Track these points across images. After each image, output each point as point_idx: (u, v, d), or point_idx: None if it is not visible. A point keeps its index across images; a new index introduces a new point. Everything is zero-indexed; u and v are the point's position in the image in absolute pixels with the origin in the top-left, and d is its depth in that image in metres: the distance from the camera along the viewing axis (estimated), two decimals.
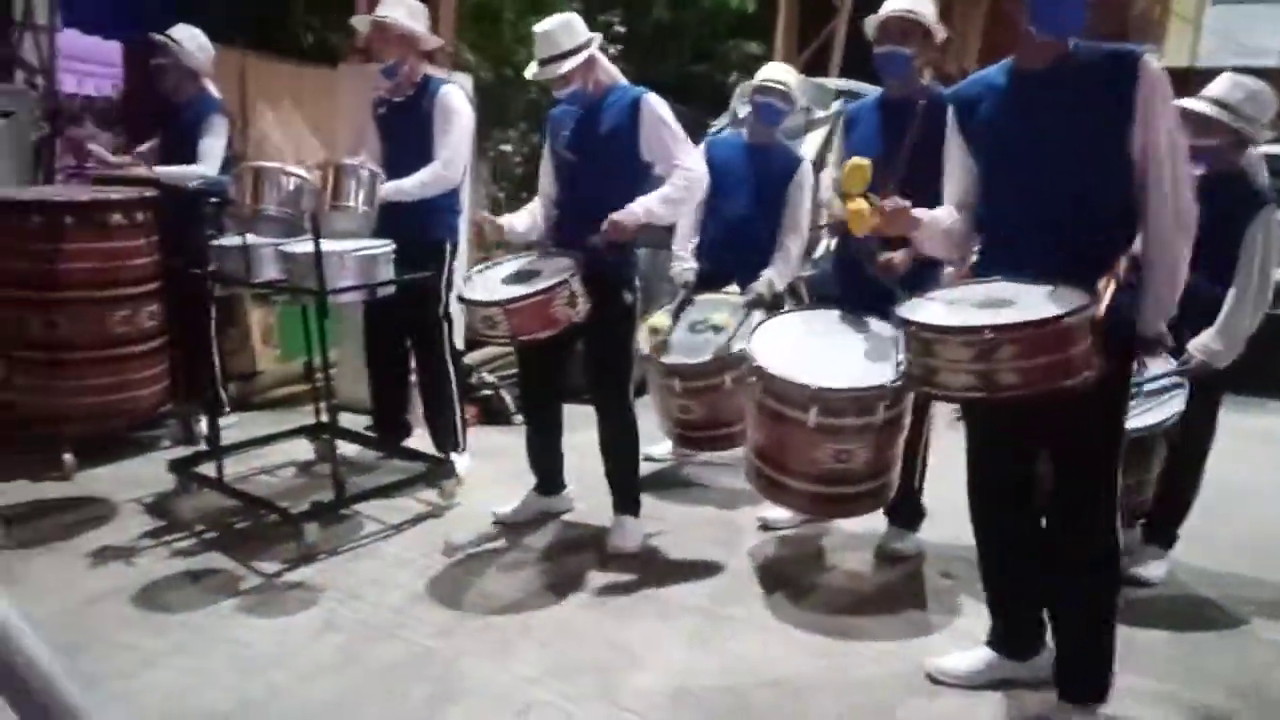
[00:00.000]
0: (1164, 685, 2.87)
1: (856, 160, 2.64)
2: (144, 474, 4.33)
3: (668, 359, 3.86)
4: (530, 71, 3.55)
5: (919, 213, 2.61)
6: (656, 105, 3.50)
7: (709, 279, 4.23)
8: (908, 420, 3.17)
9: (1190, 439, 3.32)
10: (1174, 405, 3.20)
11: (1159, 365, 3.23)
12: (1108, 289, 2.31)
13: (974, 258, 2.71)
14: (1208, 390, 3.29)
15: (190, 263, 4.03)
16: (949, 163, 2.70)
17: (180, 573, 3.44)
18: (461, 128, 4.13)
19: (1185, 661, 3.02)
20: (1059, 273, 2.36)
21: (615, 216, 3.35)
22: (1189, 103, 3.25)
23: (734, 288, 4.19)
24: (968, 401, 2.52)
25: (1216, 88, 3.31)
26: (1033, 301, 2.33)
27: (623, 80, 3.63)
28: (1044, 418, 2.46)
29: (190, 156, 4.57)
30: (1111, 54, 2.39)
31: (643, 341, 3.92)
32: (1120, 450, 2.50)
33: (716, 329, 3.90)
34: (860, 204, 2.60)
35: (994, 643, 2.85)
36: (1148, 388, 3.19)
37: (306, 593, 3.31)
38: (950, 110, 2.67)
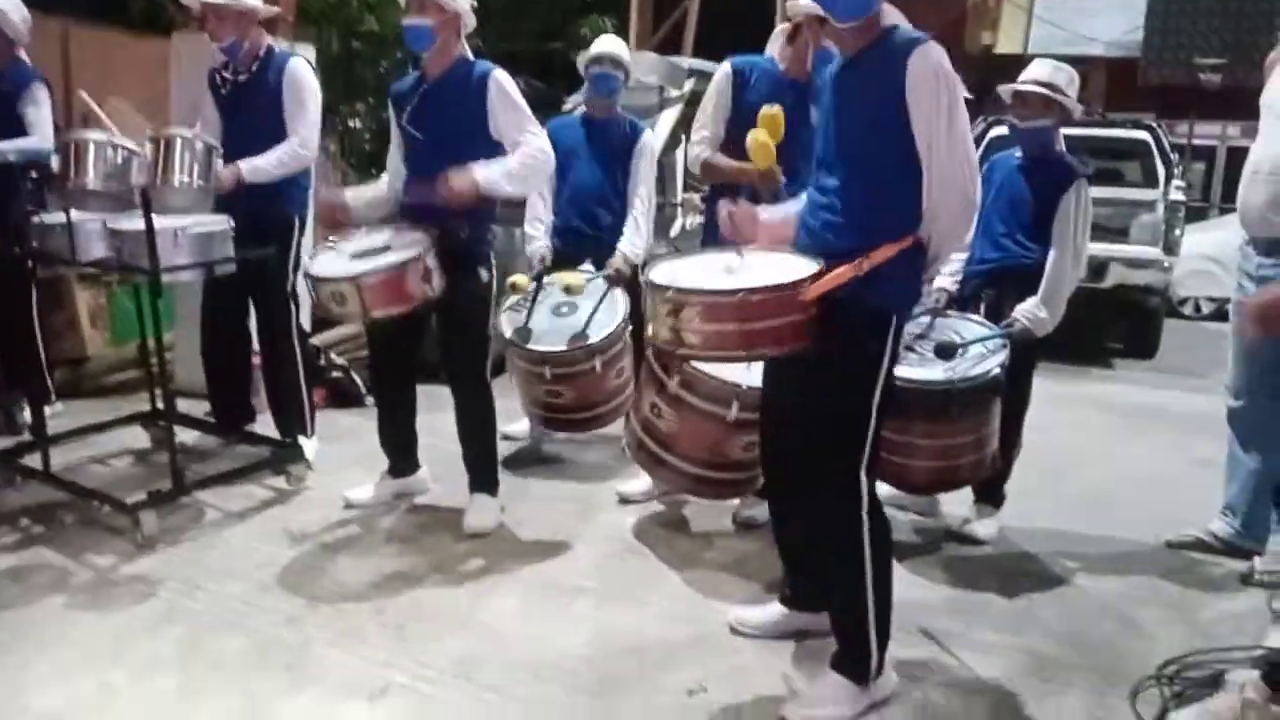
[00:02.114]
0: (998, 636, 3.03)
1: (772, 110, 2.92)
2: None
3: (536, 346, 3.84)
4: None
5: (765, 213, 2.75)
6: (505, 82, 3.44)
7: (563, 258, 4.23)
8: None
9: (1010, 400, 3.48)
10: (995, 360, 3.35)
11: (977, 329, 3.48)
12: (840, 273, 2.36)
13: None
14: (1023, 354, 3.48)
15: (10, 242, 3.76)
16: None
17: (5, 569, 3.23)
18: (314, 103, 4.00)
19: (1018, 614, 3.20)
20: (834, 256, 2.41)
21: (450, 175, 3.27)
22: (1025, 86, 3.49)
23: (588, 266, 4.20)
24: (668, 355, 2.69)
25: (1039, 71, 3.53)
26: (756, 272, 2.45)
27: (470, 55, 3.57)
28: (791, 385, 2.59)
29: (7, 130, 4.25)
30: (899, 44, 2.42)
31: (504, 314, 3.93)
32: (863, 427, 2.49)
33: (574, 309, 3.92)
34: (766, 136, 2.89)
35: (786, 598, 2.97)
36: (973, 349, 3.37)
37: (144, 586, 3.15)
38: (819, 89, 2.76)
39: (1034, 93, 3.47)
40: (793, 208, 2.73)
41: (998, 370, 3.30)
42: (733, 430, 3.25)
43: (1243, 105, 3.71)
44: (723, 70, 3.64)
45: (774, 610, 2.98)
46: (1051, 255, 3.45)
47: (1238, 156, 3.58)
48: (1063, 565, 3.52)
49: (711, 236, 3.56)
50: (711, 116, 3.62)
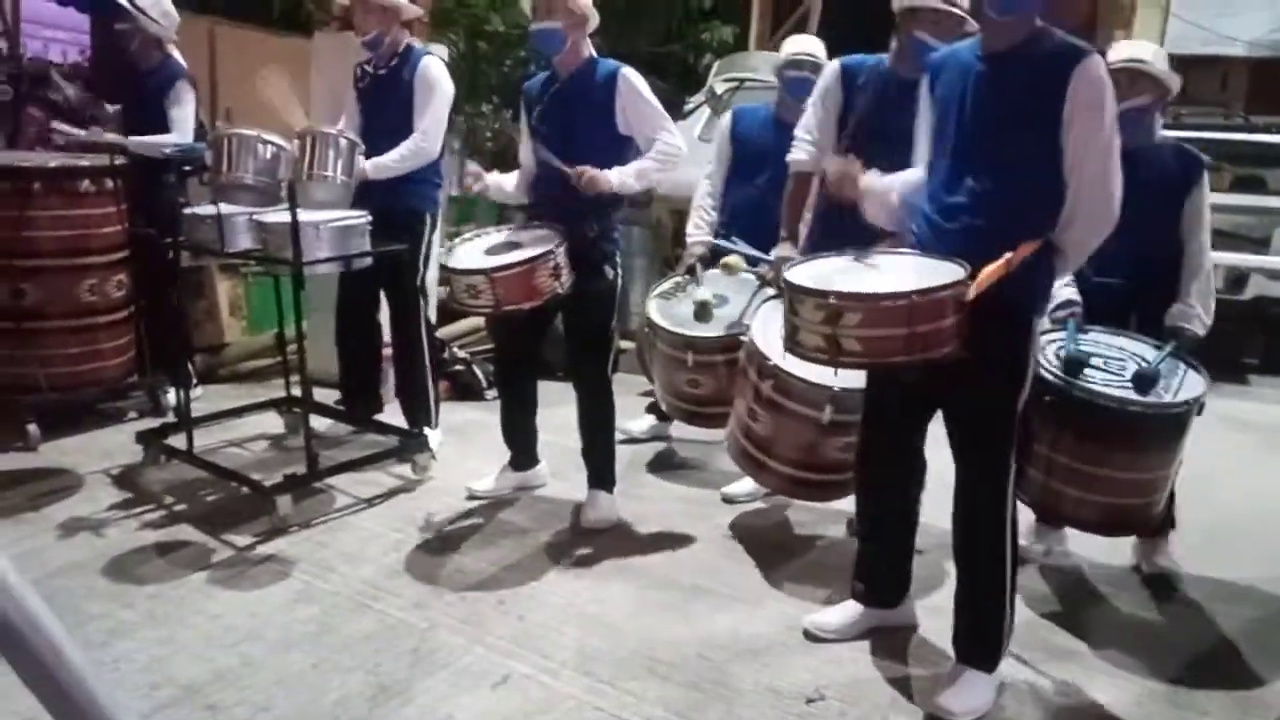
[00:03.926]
0: (1129, 659, 2.93)
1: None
2: (111, 445, 4.28)
3: (684, 330, 3.83)
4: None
5: (868, 178, 2.66)
6: (634, 79, 3.49)
7: (722, 254, 4.12)
8: None
9: None
10: (1198, 382, 3.00)
11: (1141, 348, 3.10)
12: (993, 273, 2.33)
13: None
14: None
15: (162, 232, 3.97)
16: (919, 129, 2.74)
17: (149, 545, 3.41)
18: (442, 100, 4.10)
19: (1150, 638, 3.09)
20: (963, 254, 2.40)
21: (587, 172, 3.35)
22: (1115, 58, 3.18)
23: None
24: (819, 364, 2.56)
25: (1135, 50, 3.27)
26: (901, 274, 2.38)
27: (595, 54, 3.61)
28: (936, 390, 2.57)
29: (154, 125, 4.49)
30: (1061, 48, 2.43)
31: (653, 300, 4.00)
32: (1014, 429, 2.54)
33: (724, 303, 3.90)
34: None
35: (864, 595, 2.97)
36: (1165, 372, 2.98)
37: (279, 565, 3.29)
38: (925, 77, 2.71)
39: (1123, 69, 3.12)
40: (894, 181, 2.69)
41: (1203, 392, 2.97)
42: (828, 432, 3.20)
43: None
44: (830, 70, 3.53)
45: (851, 610, 2.99)
46: (1191, 249, 3.20)
47: None
48: (1196, 590, 3.37)
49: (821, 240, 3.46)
50: (820, 121, 3.49)
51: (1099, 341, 3.12)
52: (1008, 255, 2.37)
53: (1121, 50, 3.27)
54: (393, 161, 4.00)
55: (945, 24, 3.16)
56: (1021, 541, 3.54)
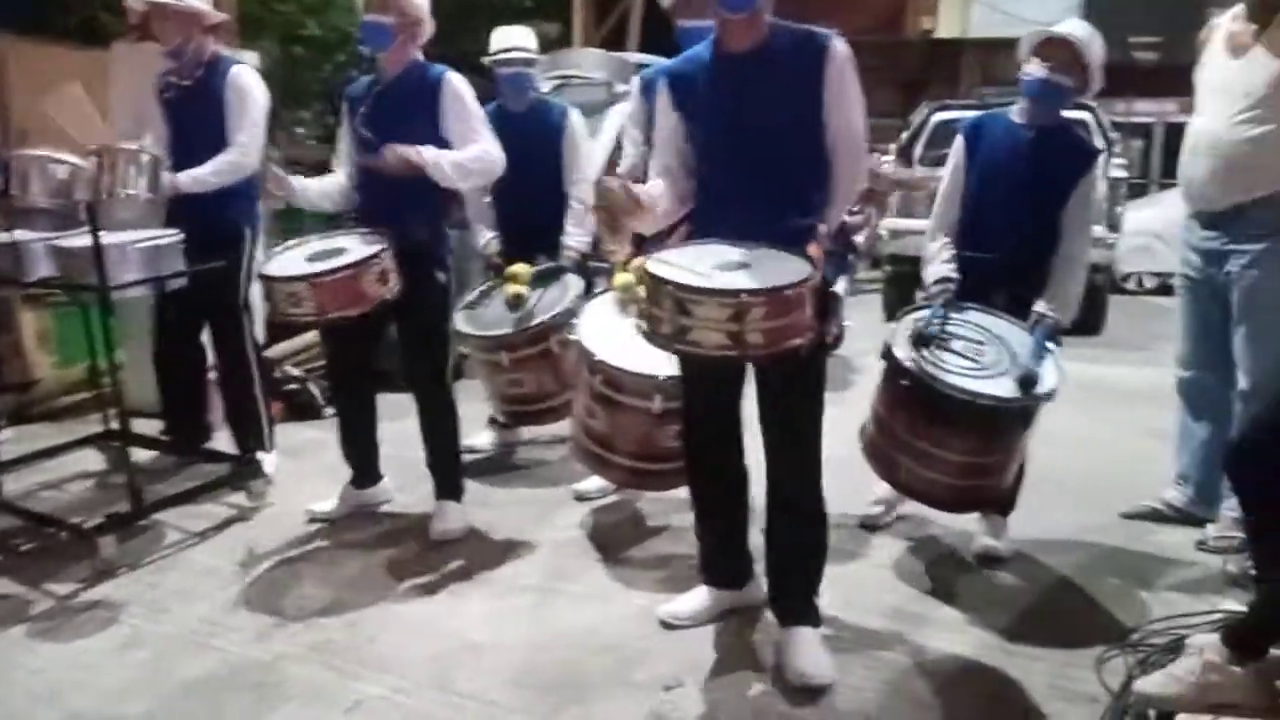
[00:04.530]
0: (964, 615, 3.08)
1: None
2: None
3: (490, 331, 3.85)
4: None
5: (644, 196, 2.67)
6: (459, 84, 3.45)
7: (510, 257, 4.21)
8: None
9: None
10: (1052, 370, 3.06)
11: (1008, 330, 3.16)
12: (819, 256, 2.48)
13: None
14: None
15: None
16: (660, 135, 2.80)
17: None
18: (257, 109, 3.95)
19: (983, 592, 3.25)
20: (766, 239, 2.53)
21: (396, 147, 3.28)
22: (1051, 31, 3.19)
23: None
24: (714, 360, 2.56)
25: (1075, 26, 3.22)
26: (764, 266, 2.46)
27: (422, 58, 3.54)
28: (755, 372, 2.69)
29: None
30: (804, 36, 2.58)
31: (461, 313, 3.98)
32: (823, 394, 2.70)
33: (527, 300, 3.97)
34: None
35: (711, 578, 3.05)
36: (1026, 359, 3.02)
37: (106, 611, 3.10)
38: (663, 85, 2.75)
39: (1063, 39, 3.14)
40: (654, 190, 2.73)
41: (1053, 383, 3.02)
42: (660, 421, 3.23)
43: (1178, 82, 3.75)
44: (634, 83, 3.65)
45: (702, 595, 3.04)
46: (1069, 240, 3.22)
47: (1175, 133, 3.62)
48: (1023, 542, 3.56)
49: None
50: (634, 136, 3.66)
51: (969, 321, 3.18)
52: (819, 239, 2.51)
53: (1072, 25, 3.24)
54: (209, 174, 3.83)
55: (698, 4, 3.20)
56: (877, 509, 3.70)
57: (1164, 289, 7.67)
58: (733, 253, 2.54)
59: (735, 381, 2.78)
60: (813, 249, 2.49)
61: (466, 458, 3.94)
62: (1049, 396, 3.00)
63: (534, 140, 4.17)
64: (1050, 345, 3.13)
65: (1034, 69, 3.20)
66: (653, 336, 2.48)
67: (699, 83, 2.67)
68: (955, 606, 3.14)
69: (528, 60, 4.29)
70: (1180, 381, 3.73)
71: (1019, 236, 3.24)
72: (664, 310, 2.41)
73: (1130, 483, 3.99)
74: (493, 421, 4.63)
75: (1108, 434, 4.92)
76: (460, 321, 3.99)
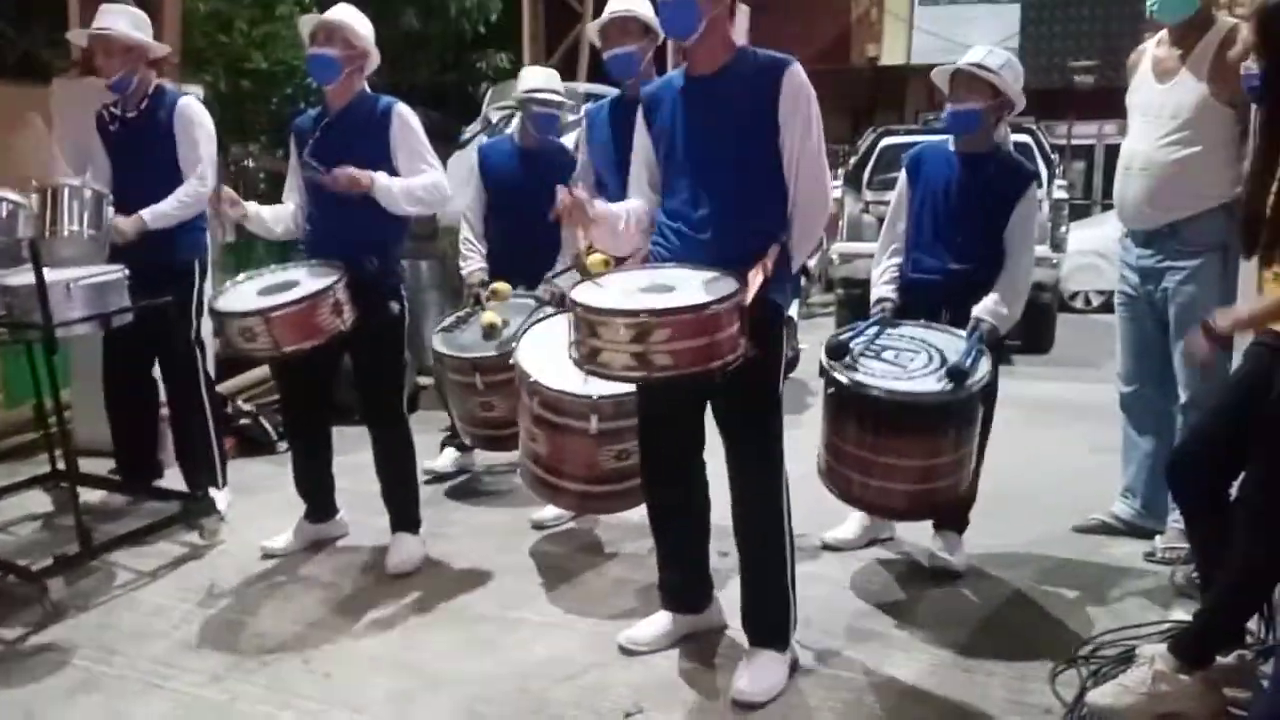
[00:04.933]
0: (921, 631, 3.11)
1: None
2: None
3: (467, 354, 3.87)
4: (305, 26, 3.48)
5: (596, 207, 2.73)
6: (408, 115, 3.47)
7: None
8: None
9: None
10: (985, 366, 3.09)
11: (944, 339, 3.21)
12: (756, 278, 2.50)
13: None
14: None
15: None
16: (635, 156, 2.87)
17: None
18: (208, 139, 3.93)
19: (939, 609, 3.29)
20: (718, 261, 2.57)
21: (347, 170, 3.29)
22: (951, 67, 3.35)
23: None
24: (627, 381, 2.65)
25: (974, 55, 3.34)
26: (690, 288, 2.50)
27: (368, 90, 3.55)
28: (705, 389, 2.68)
29: None
30: (767, 61, 2.63)
31: (438, 334, 4.04)
32: (780, 415, 2.73)
33: (506, 326, 3.97)
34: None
35: (669, 605, 3.05)
36: (952, 359, 3.06)
37: (56, 655, 3.03)
38: (641, 107, 2.84)
39: (962, 71, 3.30)
40: (620, 209, 2.81)
41: (989, 376, 3.07)
42: (599, 442, 3.22)
43: (1116, 104, 3.87)
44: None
45: (662, 620, 3.04)
46: (1012, 258, 3.32)
47: (1115, 154, 3.72)
48: (978, 557, 3.61)
49: None
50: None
51: (903, 335, 3.27)
52: (764, 261, 2.52)
53: (967, 54, 3.36)
54: (173, 209, 3.80)
55: (634, 32, 3.49)
56: (849, 534, 3.72)
57: (1110, 307, 7.82)
58: (673, 275, 2.59)
59: (693, 404, 2.79)
60: (754, 271, 2.50)
61: (425, 481, 3.92)
62: (974, 388, 3.02)
63: (541, 176, 4.17)
64: (983, 346, 3.17)
65: (947, 105, 3.37)
66: (574, 360, 2.53)
67: (666, 104, 2.72)
68: (911, 623, 3.18)
69: (560, 103, 4.38)
70: (1123, 396, 3.82)
71: (962, 259, 3.35)
72: (579, 333, 2.48)
73: (1081, 497, 4.06)
74: (451, 441, 4.62)
75: (1057, 449, 5.01)
76: (437, 343, 4.02)
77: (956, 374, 2.99)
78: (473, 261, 4.37)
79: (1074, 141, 15.76)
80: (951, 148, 3.45)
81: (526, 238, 4.12)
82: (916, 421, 3.03)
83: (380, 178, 3.34)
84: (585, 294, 2.51)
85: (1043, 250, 7.54)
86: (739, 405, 2.70)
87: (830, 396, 3.14)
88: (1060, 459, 4.85)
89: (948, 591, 3.42)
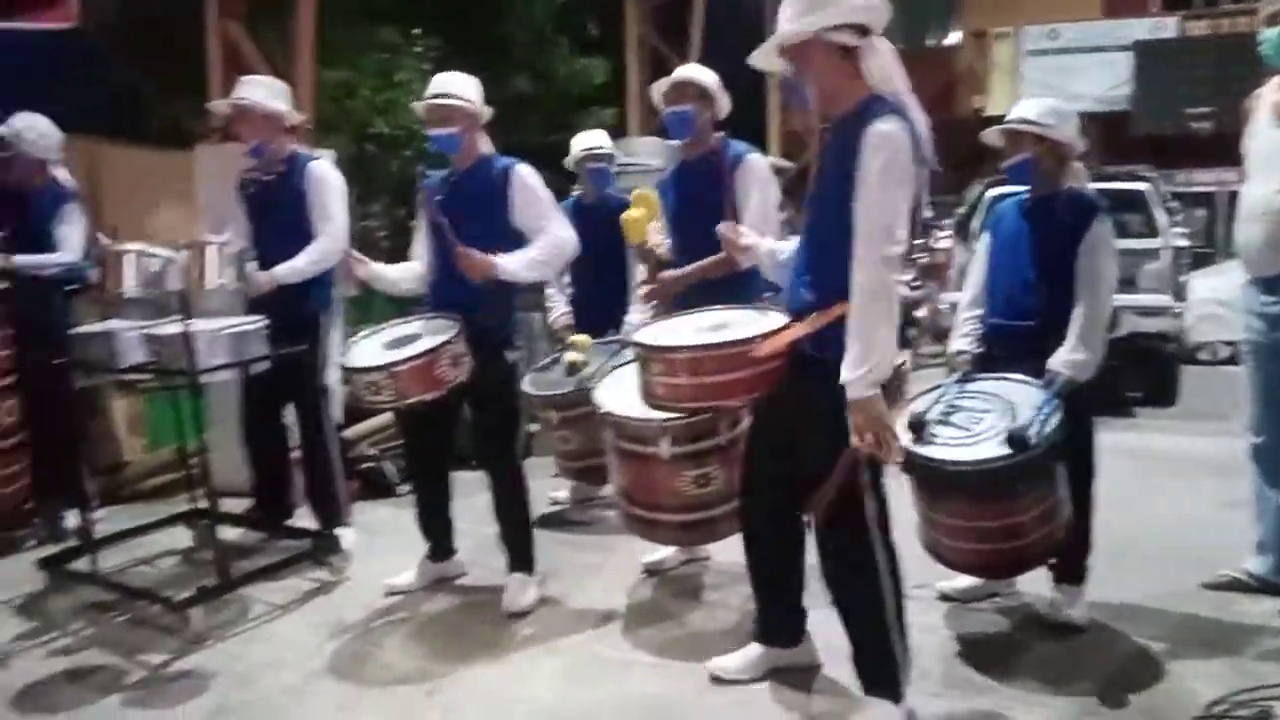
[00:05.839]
0: (1043, 685, 3.04)
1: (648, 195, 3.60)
2: (10, 575, 4.13)
3: (541, 391, 4.23)
4: (419, 105, 3.69)
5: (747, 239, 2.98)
6: (527, 175, 3.62)
7: (580, 331, 4.57)
8: None
9: (1075, 464, 3.26)
10: (1049, 426, 3.03)
11: (1021, 392, 3.19)
12: (789, 334, 2.56)
13: None
14: (1078, 411, 3.22)
15: (52, 354, 3.89)
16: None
17: (59, 672, 3.29)
18: (339, 198, 4.17)
19: (1061, 663, 3.21)
20: (798, 308, 2.66)
21: (473, 254, 3.44)
22: (996, 129, 3.45)
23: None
24: (683, 411, 2.84)
25: (1015, 111, 3.42)
26: (742, 326, 2.65)
27: (491, 149, 3.74)
28: (781, 429, 2.72)
29: (45, 247, 4.44)
30: (864, 114, 2.48)
31: (529, 377, 4.41)
32: (859, 472, 2.62)
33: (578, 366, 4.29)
34: (637, 213, 3.51)
35: (762, 636, 3.07)
36: (1025, 417, 3.03)
37: (196, 681, 3.20)
38: None
39: (1009, 130, 3.38)
40: (784, 245, 2.93)
41: (1059, 433, 3.03)
42: (674, 467, 3.23)
43: (1234, 151, 3.79)
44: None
45: (753, 651, 3.07)
46: (1084, 293, 3.25)
47: (1237, 201, 3.64)
48: (1102, 613, 3.50)
49: None
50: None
51: (979, 392, 3.26)
52: (812, 317, 2.55)
53: (1011, 111, 3.45)
54: (305, 265, 4.04)
55: (690, 95, 3.76)
56: (967, 584, 3.65)
57: (1238, 358, 7.53)
58: (729, 315, 2.77)
59: (785, 441, 2.75)
60: (795, 328, 2.58)
61: (541, 530, 4.03)
62: (1038, 450, 2.95)
63: (604, 229, 4.36)
64: (1058, 400, 3.12)
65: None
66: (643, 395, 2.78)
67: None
68: (1031, 677, 3.10)
69: (609, 155, 4.91)
70: (1253, 448, 3.68)
71: (1037, 304, 3.33)
72: (642, 371, 2.69)
73: (1209, 552, 3.90)
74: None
75: (1184, 503, 4.83)
76: (526, 384, 4.30)
77: (1017, 440, 2.95)
78: (557, 308, 4.83)
79: (1195, 189, 15.25)
80: (1024, 196, 3.52)
81: (595, 282, 4.59)
82: (975, 488, 3.03)
83: (503, 261, 3.48)
84: (646, 334, 2.79)
85: (1163, 299, 7.34)
86: (811, 460, 2.65)
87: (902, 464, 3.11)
88: (1187, 512, 4.68)
89: (1069, 645, 3.33)
